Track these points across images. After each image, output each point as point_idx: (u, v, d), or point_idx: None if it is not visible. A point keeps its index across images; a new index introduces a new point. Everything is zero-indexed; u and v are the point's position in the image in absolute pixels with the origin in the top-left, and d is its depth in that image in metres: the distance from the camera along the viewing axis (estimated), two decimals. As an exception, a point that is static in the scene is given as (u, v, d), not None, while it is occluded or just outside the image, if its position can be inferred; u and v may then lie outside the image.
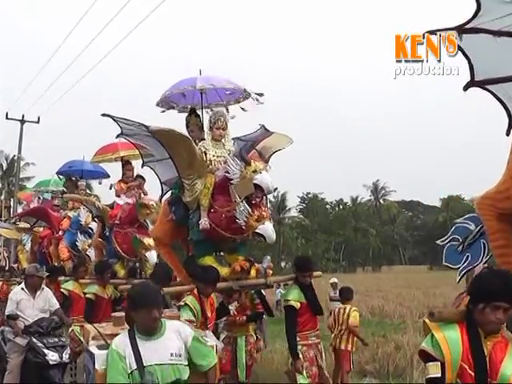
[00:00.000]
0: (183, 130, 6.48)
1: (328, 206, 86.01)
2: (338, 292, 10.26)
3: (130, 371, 3.41)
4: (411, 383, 8.12)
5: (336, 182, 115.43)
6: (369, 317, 17.18)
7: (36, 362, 6.65)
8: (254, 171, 5.61)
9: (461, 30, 3.39)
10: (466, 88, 3.60)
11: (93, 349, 3.80)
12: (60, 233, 10.62)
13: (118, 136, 6.16)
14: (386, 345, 10.56)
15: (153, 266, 7.56)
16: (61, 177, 12.00)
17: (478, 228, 4.07)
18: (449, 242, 4.33)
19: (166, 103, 7.15)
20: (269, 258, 6.53)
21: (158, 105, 7.11)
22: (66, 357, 6.71)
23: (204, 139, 6.54)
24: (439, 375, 2.74)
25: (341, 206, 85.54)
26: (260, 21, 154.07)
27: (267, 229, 5.69)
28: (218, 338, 6.38)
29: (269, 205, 6.42)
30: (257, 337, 7.22)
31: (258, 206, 5.76)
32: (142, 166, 6.65)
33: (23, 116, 27.81)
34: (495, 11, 3.25)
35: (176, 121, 6.92)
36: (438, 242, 4.35)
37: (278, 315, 9.56)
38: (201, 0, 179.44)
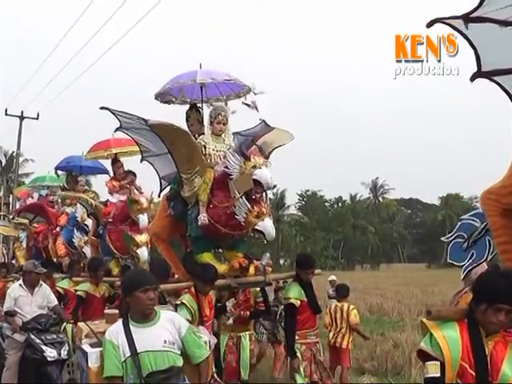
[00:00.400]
0: (182, 125, 6.41)
1: (327, 204, 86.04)
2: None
3: (123, 359, 3.48)
4: (409, 381, 8.10)
5: (335, 179, 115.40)
6: (367, 314, 17.15)
7: (34, 358, 6.64)
8: (254, 166, 5.52)
9: (467, 18, 3.32)
10: (472, 79, 3.52)
11: (85, 347, 3.84)
12: (58, 229, 10.60)
13: (116, 130, 6.09)
14: (385, 342, 10.57)
15: (144, 263, 7.55)
16: (60, 172, 11.96)
17: (483, 225, 3.98)
18: (454, 238, 4.26)
19: (165, 96, 7.06)
20: (268, 255, 6.48)
21: (156, 98, 7.01)
22: (64, 353, 6.69)
23: (203, 133, 6.48)
24: (438, 375, 2.69)
25: (340, 204, 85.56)
26: (261, 18, 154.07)
27: (267, 225, 5.59)
28: (217, 337, 6.37)
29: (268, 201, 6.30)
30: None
31: (257, 202, 5.67)
32: (141, 161, 6.55)
33: (22, 112, 27.80)
34: (501, 0, 3.19)
35: (176, 115, 6.85)
36: (442, 238, 4.29)
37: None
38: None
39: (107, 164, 10.06)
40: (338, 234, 78.11)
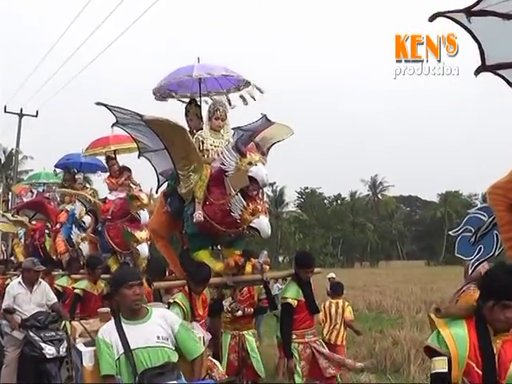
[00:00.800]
0: (180, 120, 6.27)
1: (326, 201, 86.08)
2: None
3: (117, 357, 3.49)
4: (408, 378, 8.11)
5: (334, 177, 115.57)
6: (366, 312, 17.19)
7: (33, 355, 6.61)
8: (250, 163, 5.41)
9: (469, 12, 3.28)
10: (477, 73, 3.48)
11: (80, 346, 3.84)
12: (58, 226, 10.59)
13: (113, 125, 6.02)
14: (384, 340, 10.58)
15: (145, 259, 7.52)
16: (58, 170, 11.95)
17: (491, 219, 3.91)
18: (461, 232, 4.20)
19: (163, 92, 6.97)
20: (266, 252, 6.39)
21: (154, 93, 6.93)
22: (62, 351, 6.65)
23: (200, 128, 6.38)
24: (445, 370, 2.66)
25: (339, 201, 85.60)
26: (260, 17, 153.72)
27: (262, 223, 5.47)
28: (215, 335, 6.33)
29: (265, 198, 6.19)
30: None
31: (253, 199, 5.56)
32: (139, 157, 6.46)
33: (21, 109, 27.81)
34: None
35: (175, 111, 6.78)
36: (450, 232, 4.22)
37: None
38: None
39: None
40: (337, 232, 78.20)
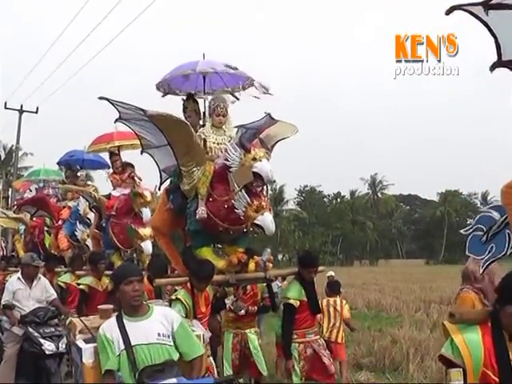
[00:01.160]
0: (181, 116, 6.27)
1: (326, 199, 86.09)
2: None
3: (118, 353, 3.50)
4: (407, 377, 8.12)
5: (334, 175, 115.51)
6: (365, 310, 17.17)
7: (32, 351, 6.59)
8: (254, 159, 5.31)
9: (487, 5, 3.22)
10: (492, 68, 3.41)
11: (80, 343, 3.81)
12: (60, 222, 10.59)
13: (116, 120, 5.90)
14: (383, 338, 10.55)
15: (148, 256, 7.50)
16: (57, 167, 11.93)
17: (503, 218, 3.81)
18: (473, 231, 4.12)
19: (167, 87, 6.85)
20: (269, 250, 6.28)
21: (158, 88, 6.81)
22: (62, 347, 6.62)
23: (202, 125, 6.33)
24: (461, 383, 2.56)
25: (338, 200, 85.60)
26: (260, 16, 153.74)
27: (266, 220, 5.36)
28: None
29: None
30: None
31: (257, 196, 5.45)
32: (141, 153, 6.34)
33: (22, 106, 27.76)
34: None
35: (178, 107, 6.70)
36: (461, 231, 4.15)
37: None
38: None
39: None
40: (337, 230, 78.24)
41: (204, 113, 6.62)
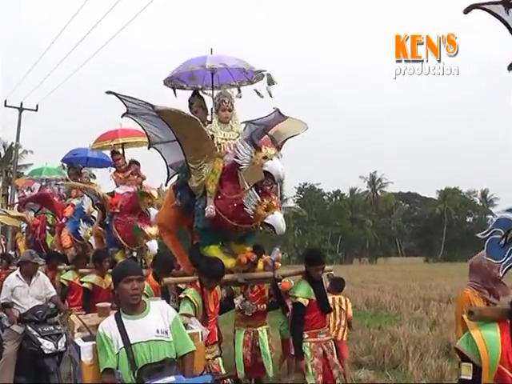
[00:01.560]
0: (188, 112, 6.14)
1: (325, 197, 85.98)
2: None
3: (117, 351, 3.50)
4: (406, 375, 8.14)
5: (334, 173, 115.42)
6: (364, 308, 17.15)
7: (31, 350, 6.56)
8: (265, 157, 5.26)
9: (507, 3, 3.18)
10: (510, 68, 3.41)
11: (78, 341, 3.81)
12: (63, 220, 10.59)
13: (123, 115, 5.80)
14: (382, 336, 10.55)
15: (153, 255, 7.44)
16: (60, 165, 11.93)
17: None
18: (490, 235, 4.07)
19: (174, 82, 6.75)
20: (278, 249, 6.21)
21: (165, 84, 6.71)
22: (61, 345, 6.54)
23: (209, 121, 6.26)
24: (469, 378, 2.52)
25: (338, 197, 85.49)
26: (261, 15, 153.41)
27: (277, 219, 5.32)
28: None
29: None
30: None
31: (267, 195, 5.41)
32: (148, 148, 6.25)
33: (21, 104, 27.85)
34: None
35: (185, 103, 6.65)
36: (478, 235, 4.09)
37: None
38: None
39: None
40: (336, 228, 78.10)
41: (212, 109, 6.52)
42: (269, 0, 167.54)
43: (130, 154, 9.53)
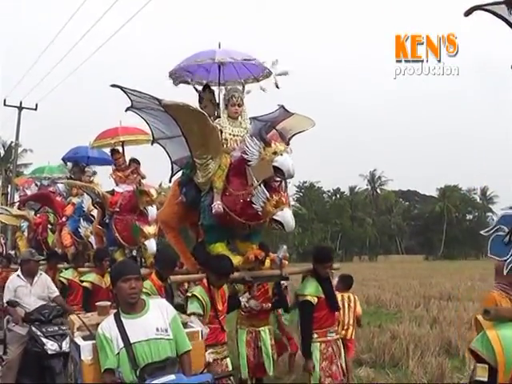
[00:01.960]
0: (197, 106, 6.00)
1: (325, 195, 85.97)
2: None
3: (117, 351, 3.49)
4: (407, 373, 8.14)
5: (333, 171, 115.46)
6: (365, 306, 17.07)
7: (35, 351, 6.42)
8: (274, 153, 5.10)
9: (510, 3, 3.14)
10: None
11: (78, 340, 3.80)
12: (64, 219, 10.57)
13: (127, 109, 5.72)
14: (382, 334, 10.55)
15: (152, 255, 7.34)
16: (67, 163, 11.86)
17: None
18: (494, 232, 4.00)
19: (180, 76, 6.61)
20: (285, 247, 6.15)
21: (170, 76, 6.57)
22: (65, 346, 6.28)
23: (218, 116, 6.15)
24: (485, 379, 2.51)
25: (338, 196, 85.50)
26: (261, 14, 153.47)
27: (286, 216, 5.17)
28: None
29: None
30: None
31: (276, 191, 5.28)
32: (152, 143, 6.18)
33: (21, 103, 27.83)
34: None
35: (185, 97, 6.55)
36: (482, 232, 4.00)
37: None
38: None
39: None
40: (336, 226, 78.18)
41: (218, 104, 6.44)
42: (270, 0, 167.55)
43: (129, 152, 9.50)
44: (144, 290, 4.59)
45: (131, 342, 3.49)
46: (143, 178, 8.59)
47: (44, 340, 6.38)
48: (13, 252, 14.89)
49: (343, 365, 5.79)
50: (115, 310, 3.75)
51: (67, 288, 8.26)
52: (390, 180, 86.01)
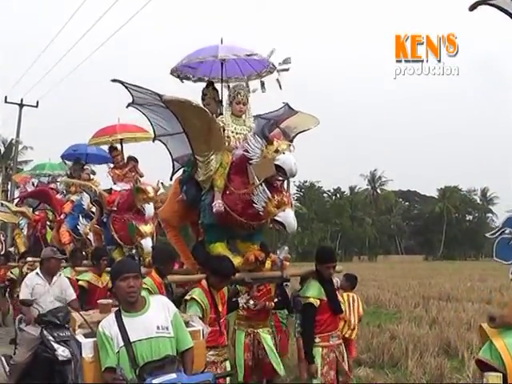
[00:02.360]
0: (199, 102, 5.88)
1: (325, 195, 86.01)
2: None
3: (117, 350, 3.48)
4: (406, 373, 8.14)
5: (334, 170, 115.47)
6: (364, 306, 17.13)
7: (46, 356, 6.07)
8: (276, 151, 4.96)
9: None
10: None
11: (79, 337, 3.78)
12: (62, 216, 10.55)
13: (128, 105, 5.59)
14: (381, 334, 10.54)
15: (149, 253, 7.25)
16: (66, 161, 11.85)
17: None
18: (499, 235, 3.76)
19: (182, 72, 6.55)
20: (286, 248, 6.05)
21: (172, 73, 6.50)
22: None
23: (221, 114, 6.02)
24: None
25: (338, 195, 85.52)
26: (261, 14, 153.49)
27: (288, 216, 5.07)
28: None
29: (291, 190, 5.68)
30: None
31: (278, 191, 5.16)
32: (153, 140, 6.08)
33: (22, 100, 27.87)
34: None
35: (188, 93, 6.49)
36: (487, 235, 3.90)
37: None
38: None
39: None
40: (336, 226, 78.21)
41: (221, 101, 6.35)
42: (270, 0, 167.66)
43: (128, 149, 9.48)
44: (144, 286, 4.56)
45: (131, 340, 3.47)
46: (141, 176, 8.54)
47: (55, 345, 6.02)
48: (12, 249, 14.89)
49: (346, 368, 5.63)
50: (116, 309, 3.73)
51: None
52: (390, 180, 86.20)
